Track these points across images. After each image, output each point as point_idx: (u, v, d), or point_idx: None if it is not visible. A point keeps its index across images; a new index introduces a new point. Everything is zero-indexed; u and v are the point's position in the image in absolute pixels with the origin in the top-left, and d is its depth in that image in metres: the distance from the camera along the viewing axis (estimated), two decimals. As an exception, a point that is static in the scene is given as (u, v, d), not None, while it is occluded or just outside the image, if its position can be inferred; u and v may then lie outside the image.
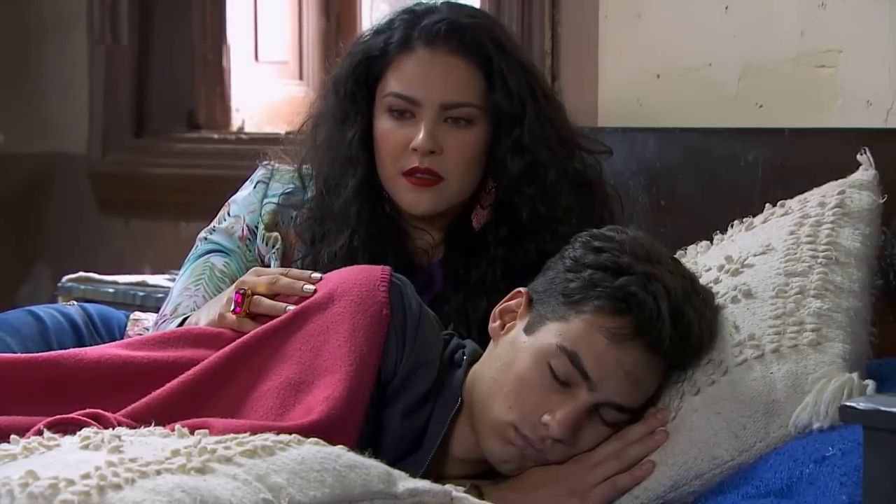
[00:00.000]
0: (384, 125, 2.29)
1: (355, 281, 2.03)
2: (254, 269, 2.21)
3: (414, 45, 2.28)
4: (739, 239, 2.24)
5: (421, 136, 2.24)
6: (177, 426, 1.73)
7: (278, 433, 1.67)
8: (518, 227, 2.30)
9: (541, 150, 2.29)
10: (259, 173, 2.44)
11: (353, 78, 2.32)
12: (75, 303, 2.64)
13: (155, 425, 1.76)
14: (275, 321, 2.03)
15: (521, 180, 2.29)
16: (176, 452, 1.57)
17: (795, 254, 2.12)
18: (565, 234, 2.19)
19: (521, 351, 2.00)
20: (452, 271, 2.32)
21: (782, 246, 2.15)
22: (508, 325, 2.06)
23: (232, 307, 2.10)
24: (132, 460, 1.53)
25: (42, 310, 2.50)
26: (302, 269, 2.24)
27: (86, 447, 1.61)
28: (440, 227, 2.35)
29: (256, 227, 2.40)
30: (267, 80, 4.13)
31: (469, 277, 2.30)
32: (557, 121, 2.32)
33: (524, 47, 2.48)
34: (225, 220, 2.43)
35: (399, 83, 2.28)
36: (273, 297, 2.09)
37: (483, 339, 2.11)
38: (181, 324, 2.24)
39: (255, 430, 1.71)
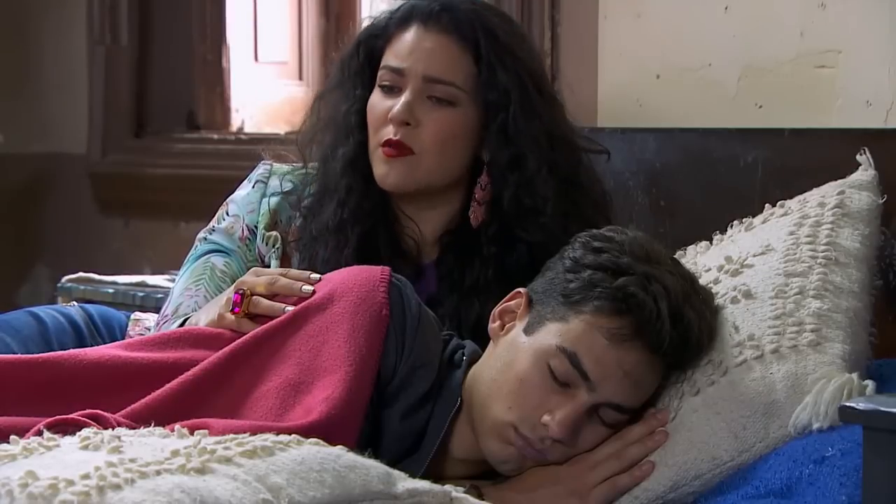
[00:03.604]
0: (374, 98, 2.33)
1: (355, 281, 2.03)
2: (253, 269, 2.21)
3: (411, 22, 2.32)
4: (739, 239, 2.24)
5: (398, 106, 2.27)
6: (176, 426, 1.73)
7: (278, 433, 1.67)
8: (506, 221, 2.31)
9: (525, 142, 2.30)
10: (258, 172, 2.45)
11: (357, 56, 2.37)
12: (76, 303, 2.64)
13: (154, 426, 1.76)
14: (274, 322, 2.04)
15: (506, 171, 2.31)
16: (175, 453, 1.57)
17: (795, 254, 2.12)
18: (548, 227, 2.25)
19: (520, 351, 2.00)
20: (446, 274, 2.33)
21: (782, 246, 2.15)
22: (508, 325, 2.06)
23: (231, 307, 2.10)
24: (132, 461, 1.53)
25: (42, 310, 2.50)
26: (301, 245, 2.30)
27: (85, 448, 1.61)
28: (429, 220, 2.35)
29: (256, 227, 2.40)
30: (267, 80, 4.13)
31: (463, 280, 2.31)
32: (548, 116, 2.33)
33: (538, 52, 2.49)
34: (224, 219, 2.43)
35: (391, 56, 2.32)
36: (272, 297, 2.09)
37: (476, 342, 2.12)
38: (182, 324, 2.24)
39: (254, 431, 1.71)
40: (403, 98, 2.28)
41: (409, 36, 2.31)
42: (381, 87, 2.32)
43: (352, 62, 2.38)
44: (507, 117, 2.29)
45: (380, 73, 2.33)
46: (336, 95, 2.40)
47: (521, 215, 2.30)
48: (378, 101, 2.32)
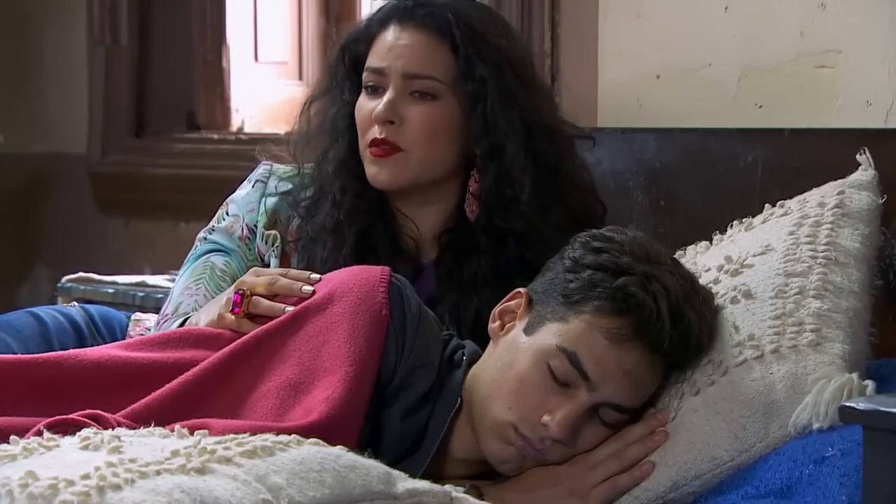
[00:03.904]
0: (360, 100, 2.35)
1: (355, 281, 2.03)
2: (253, 269, 2.21)
3: (389, 22, 2.34)
4: (739, 239, 2.24)
5: (380, 105, 2.29)
6: (176, 427, 1.73)
7: (278, 434, 1.67)
8: (488, 211, 2.31)
9: (503, 131, 2.30)
10: (258, 172, 2.46)
11: (343, 62, 2.39)
12: (76, 303, 2.64)
13: (154, 426, 1.76)
14: (274, 322, 2.04)
15: (487, 161, 2.32)
16: (175, 453, 1.57)
17: (795, 254, 2.12)
18: (527, 215, 2.27)
19: (520, 351, 2.00)
20: (445, 274, 2.33)
21: (782, 246, 2.15)
22: (508, 325, 2.06)
23: (231, 308, 2.10)
24: (132, 461, 1.53)
25: (43, 311, 2.50)
26: (300, 247, 2.32)
27: (85, 448, 1.61)
28: (427, 216, 2.36)
29: (256, 226, 2.41)
30: (267, 80, 4.14)
31: (461, 276, 2.31)
32: (528, 103, 2.33)
33: (520, 39, 2.49)
34: (224, 219, 2.43)
35: (372, 57, 2.35)
36: (272, 297, 2.09)
37: (475, 339, 2.12)
38: (182, 324, 2.24)
39: (254, 431, 1.71)
40: (386, 97, 2.30)
41: (388, 35, 2.33)
42: (366, 88, 2.34)
43: (338, 68, 2.40)
44: (485, 107, 2.30)
45: (363, 75, 2.34)
46: (325, 101, 2.43)
47: (500, 205, 2.31)
48: (364, 103, 2.33)
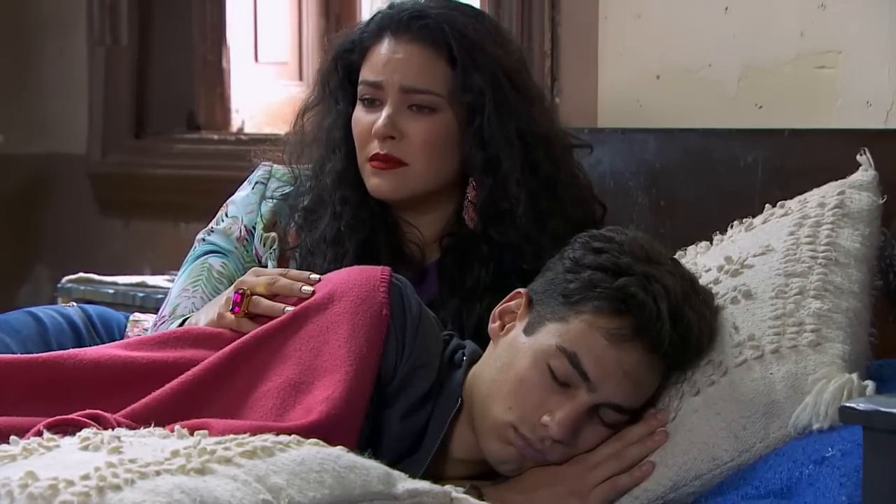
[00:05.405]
0: (357, 113, 2.34)
1: (355, 281, 2.03)
2: (253, 269, 2.21)
3: (384, 34, 2.33)
4: (739, 240, 2.24)
5: (380, 120, 2.27)
6: (176, 427, 1.73)
7: (278, 434, 1.67)
8: (484, 223, 2.31)
9: (500, 144, 2.30)
10: (257, 174, 2.46)
11: (336, 71, 2.38)
12: (75, 304, 2.64)
13: (154, 426, 1.76)
14: (274, 321, 2.04)
15: (482, 174, 2.31)
16: (175, 453, 1.57)
17: (795, 254, 2.12)
18: (522, 228, 2.27)
19: (520, 352, 2.00)
20: (447, 276, 2.33)
21: (782, 247, 2.15)
22: (508, 325, 2.06)
23: (231, 307, 2.10)
24: (132, 461, 1.53)
25: (42, 311, 2.50)
26: (299, 258, 2.30)
27: (85, 448, 1.61)
28: (429, 223, 2.35)
29: (254, 228, 2.40)
30: (267, 80, 4.14)
31: (463, 282, 2.31)
32: (525, 113, 2.32)
33: (515, 46, 2.47)
34: (223, 220, 2.43)
35: (367, 70, 2.33)
36: (272, 297, 2.09)
37: (477, 345, 2.12)
38: (181, 324, 2.24)
39: (254, 431, 1.71)
40: (385, 112, 2.28)
41: (383, 48, 2.31)
42: (362, 100, 2.33)
43: (331, 78, 2.39)
44: (482, 120, 2.29)
45: (359, 87, 2.33)
46: (319, 110, 2.41)
47: (497, 218, 2.31)
48: (361, 116, 2.32)
